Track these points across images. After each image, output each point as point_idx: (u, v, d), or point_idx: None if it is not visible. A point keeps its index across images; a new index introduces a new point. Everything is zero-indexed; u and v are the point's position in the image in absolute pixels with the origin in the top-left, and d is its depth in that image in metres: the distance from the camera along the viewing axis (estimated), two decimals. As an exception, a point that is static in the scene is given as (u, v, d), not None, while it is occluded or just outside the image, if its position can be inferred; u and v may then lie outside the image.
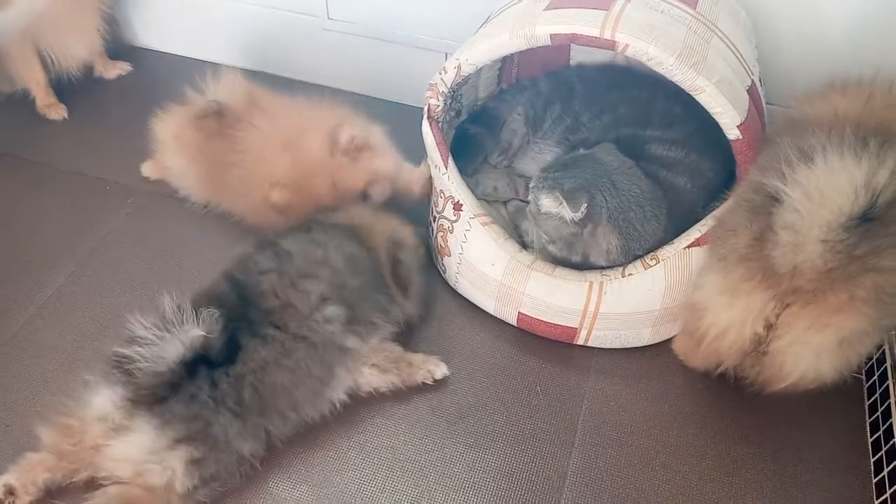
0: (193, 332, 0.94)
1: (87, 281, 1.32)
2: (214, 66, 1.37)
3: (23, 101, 1.67)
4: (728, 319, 1.01)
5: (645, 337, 1.21)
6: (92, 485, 1.00)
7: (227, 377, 0.99)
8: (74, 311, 1.26)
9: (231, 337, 1.00)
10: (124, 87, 1.78)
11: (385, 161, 1.26)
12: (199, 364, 0.97)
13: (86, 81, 1.78)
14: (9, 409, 1.12)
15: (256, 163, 1.27)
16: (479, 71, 1.34)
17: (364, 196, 1.27)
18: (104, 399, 0.99)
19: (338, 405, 1.10)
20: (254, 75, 1.39)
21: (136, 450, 0.95)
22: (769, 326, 0.98)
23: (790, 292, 0.94)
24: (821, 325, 0.94)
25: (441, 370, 1.15)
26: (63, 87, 1.76)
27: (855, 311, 0.92)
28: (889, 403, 1.09)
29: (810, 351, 0.97)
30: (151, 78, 1.80)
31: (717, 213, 1.10)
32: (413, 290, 1.19)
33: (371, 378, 1.12)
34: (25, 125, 1.65)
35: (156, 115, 1.40)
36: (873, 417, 1.13)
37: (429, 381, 1.15)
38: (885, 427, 1.08)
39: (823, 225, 0.88)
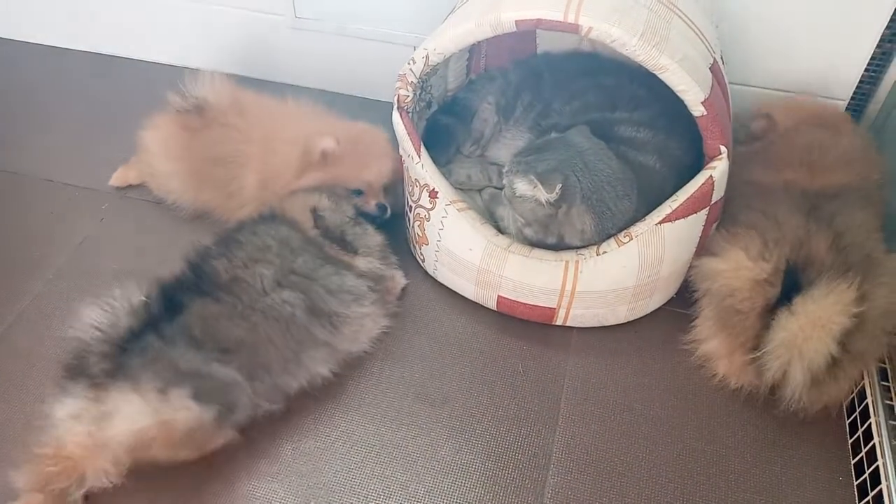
0: (135, 299, 1.03)
1: (65, 288, 1.31)
2: (182, 70, 1.36)
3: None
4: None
5: (621, 314, 1.23)
6: (93, 499, 1.00)
7: (171, 325, 1.02)
8: (53, 319, 1.25)
9: (173, 299, 1.06)
10: (92, 93, 1.76)
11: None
12: (144, 330, 1.02)
13: (50, 89, 1.77)
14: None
15: (240, 158, 1.28)
16: (447, 62, 1.36)
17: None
18: (65, 406, 0.97)
19: (329, 374, 1.13)
20: (224, 77, 1.39)
21: (133, 419, 0.94)
22: None
23: None
24: None
25: (403, 279, 1.30)
26: (26, 95, 1.75)
27: None
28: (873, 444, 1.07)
29: None
30: (118, 84, 1.79)
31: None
32: (360, 244, 1.23)
33: (375, 327, 1.19)
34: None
35: (143, 126, 1.39)
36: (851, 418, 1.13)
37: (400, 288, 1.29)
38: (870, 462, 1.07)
39: None
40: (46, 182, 1.52)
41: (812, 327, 1.03)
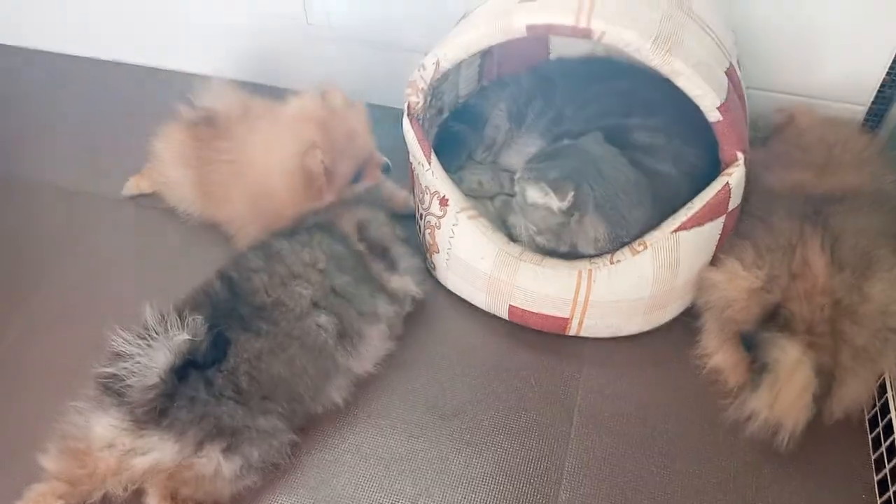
0: (178, 338, 0.93)
1: (76, 296, 1.30)
2: (194, 77, 1.36)
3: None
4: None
5: (636, 325, 1.21)
6: (108, 501, 0.99)
7: (220, 373, 0.98)
8: (63, 327, 1.25)
9: (219, 336, 0.99)
10: (104, 101, 1.76)
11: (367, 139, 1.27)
12: (188, 368, 0.96)
13: (61, 96, 1.77)
14: (6, 430, 1.10)
15: (248, 168, 1.27)
16: (459, 68, 1.35)
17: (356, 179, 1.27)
18: (104, 427, 0.95)
19: (341, 403, 1.11)
20: (234, 85, 1.38)
21: (164, 462, 0.94)
22: None
23: None
24: None
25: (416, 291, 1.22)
26: (38, 102, 1.75)
27: None
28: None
29: None
30: (131, 92, 1.78)
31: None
32: (401, 263, 1.19)
33: (382, 348, 1.16)
34: (5, 139, 1.64)
35: (155, 135, 1.38)
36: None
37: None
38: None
39: None
40: (58, 190, 1.52)
41: (783, 404, 1.02)
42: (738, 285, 1.09)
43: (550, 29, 1.07)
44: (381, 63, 1.62)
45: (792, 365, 1.02)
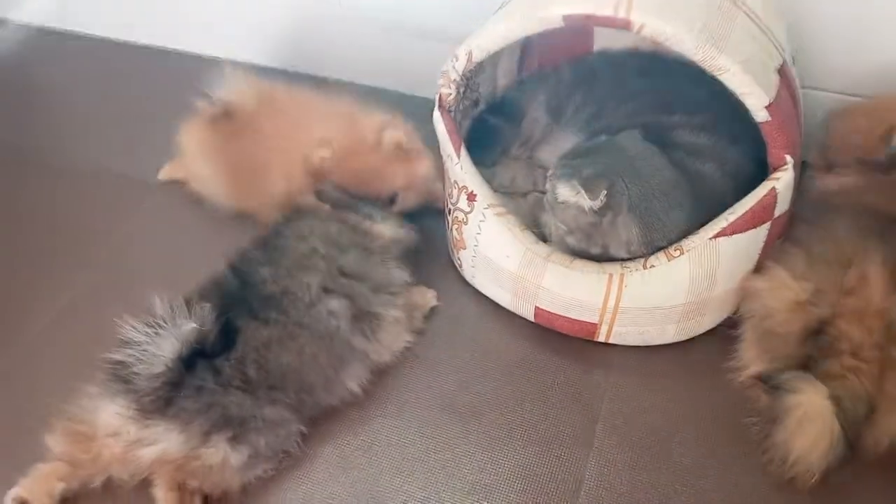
0: (186, 326, 0.92)
1: (110, 280, 1.31)
2: (225, 63, 1.35)
3: (38, 101, 1.69)
4: None
5: (670, 334, 1.15)
6: (109, 487, 0.99)
7: (228, 362, 0.97)
8: (96, 312, 1.25)
9: (227, 325, 0.98)
10: (142, 85, 1.78)
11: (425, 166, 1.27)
12: (195, 357, 0.95)
13: (102, 80, 1.79)
14: (29, 413, 1.10)
15: (270, 159, 1.26)
16: (497, 60, 1.31)
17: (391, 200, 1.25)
18: (110, 415, 0.96)
19: (359, 391, 1.09)
20: (265, 71, 1.37)
21: (170, 453, 0.94)
22: None
23: None
24: None
25: (434, 300, 1.23)
26: (77, 86, 1.77)
27: None
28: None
29: None
30: (166, 76, 1.79)
31: None
32: (376, 215, 1.18)
33: (400, 338, 1.14)
34: (44, 125, 1.68)
35: (179, 129, 1.39)
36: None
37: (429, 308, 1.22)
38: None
39: None
40: (93, 174, 1.53)
41: (794, 452, 0.97)
42: (782, 295, 1.02)
43: (588, 19, 1.02)
44: (416, 51, 1.58)
45: (803, 415, 0.95)
